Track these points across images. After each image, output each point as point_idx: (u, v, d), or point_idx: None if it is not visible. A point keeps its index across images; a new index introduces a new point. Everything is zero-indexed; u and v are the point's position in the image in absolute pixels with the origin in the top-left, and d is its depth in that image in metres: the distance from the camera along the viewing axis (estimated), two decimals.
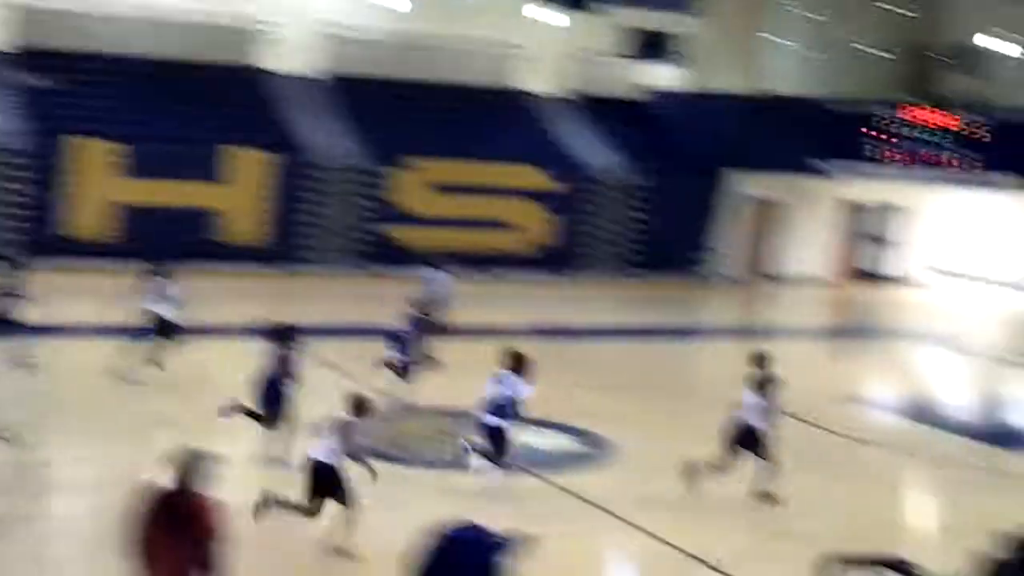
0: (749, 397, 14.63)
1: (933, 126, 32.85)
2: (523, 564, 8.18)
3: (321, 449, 12.20)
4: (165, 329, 18.62)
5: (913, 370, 26.39)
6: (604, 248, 34.38)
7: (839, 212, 36.89)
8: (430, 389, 18.06)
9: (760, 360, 14.97)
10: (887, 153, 33.24)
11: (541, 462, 15.95)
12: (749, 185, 35.47)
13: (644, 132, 36.55)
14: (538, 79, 36.38)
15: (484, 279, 30.76)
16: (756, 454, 14.69)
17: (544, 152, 34.49)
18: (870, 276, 37.42)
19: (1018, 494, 16.49)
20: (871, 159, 33.43)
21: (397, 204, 32.24)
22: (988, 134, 32.10)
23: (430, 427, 17.32)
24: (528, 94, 36.45)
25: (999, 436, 19.78)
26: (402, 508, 13.26)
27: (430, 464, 15.73)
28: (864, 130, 33.38)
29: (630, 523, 13.89)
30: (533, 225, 33.41)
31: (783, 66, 37.31)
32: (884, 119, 33.33)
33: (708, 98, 36.16)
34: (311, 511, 12.20)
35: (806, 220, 36.34)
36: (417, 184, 32.41)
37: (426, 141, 32.78)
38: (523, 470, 15.35)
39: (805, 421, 19.19)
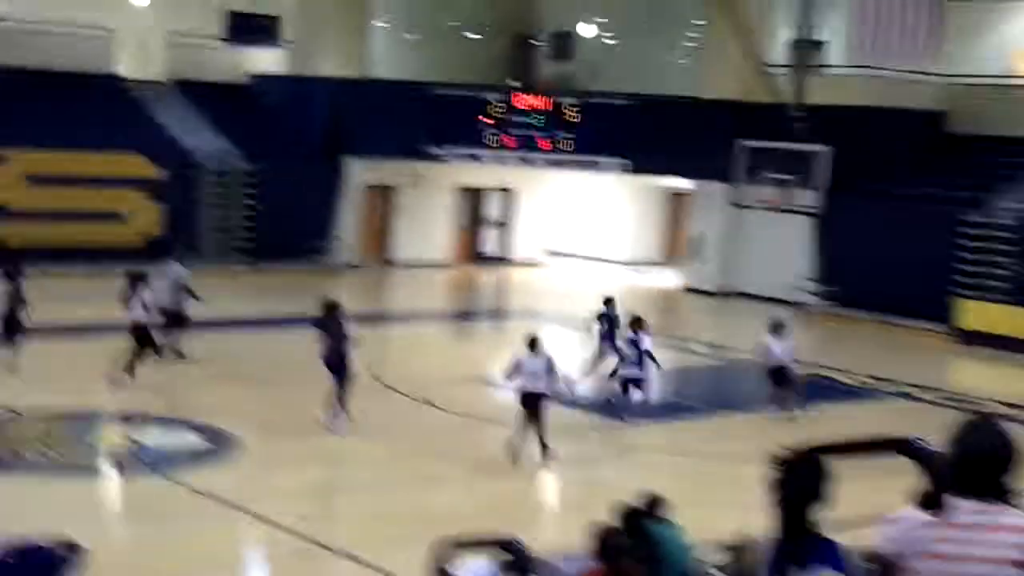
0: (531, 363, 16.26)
1: (538, 110, 33.55)
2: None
3: None
4: None
5: None
6: (214, 236, 33.11)
7: (455, 196, 37.15)
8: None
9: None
10: (498, 138, 33.71)
11: (163, 460, 15.33)
12: (364, 171, 35.15)
13: (249, 117, 35.61)
14: (135, 64, 34.72)
15: (90, 273, 29.02)
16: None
17: (146, 139, 32.89)
18: (488, 259, 37.90)
19: (633, 466, 16.83)
20: (483, 144, 33.82)
21: None
22: (583, 117, 33.16)
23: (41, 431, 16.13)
24: (126, 79, 34.73)
25: (612, 409, 20.16)
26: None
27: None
28: (475, 116, 33.74)
29: (257, 516, 13.40)
30: (138, 215, 31.77)
31: (387, 50, 37.08)
32: (493, 104, 33.76)
33: (312, 81, 35.58)
34: None
35: (424, 205, 36.36)
36: (11, 176, 30.20)
37: (18, 130, 30.61)
38: (145, 470, 14.64)
39: (428, 403, 19.06)
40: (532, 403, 16.08)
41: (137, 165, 31.80)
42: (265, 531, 13.13)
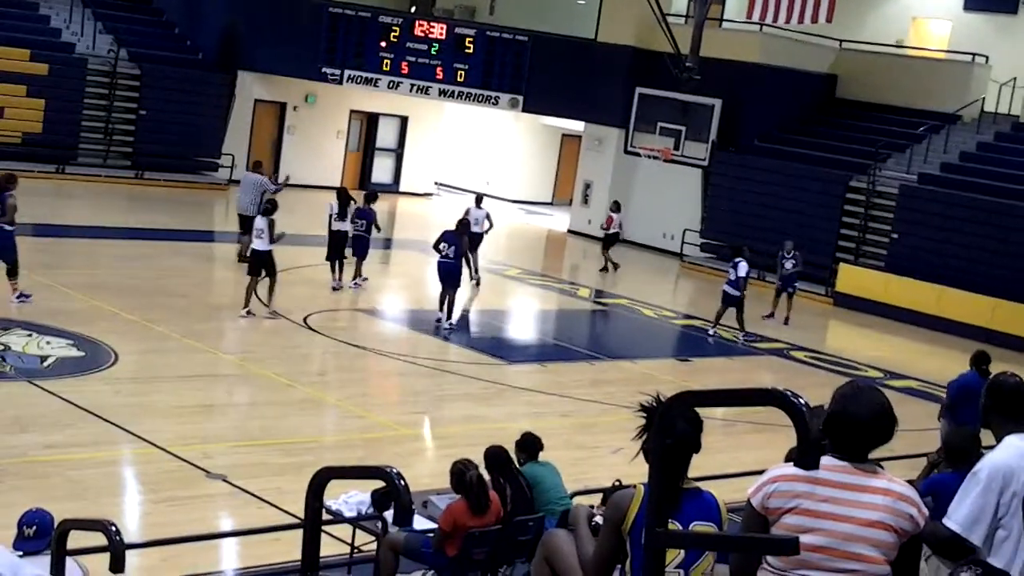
0: None
1: (435, 39, 33.20)
2: None
3: None
4: None
5: (419, 281, 26.67)
6: (97, 140, 32.23)
7: (348, 120, 36.68)
8: None
9: None
10: (393, 63, 33.32)
11: (35, 368, 14.90)
12: (257, 86, 34.55)
13: (139, 18, 34.79)
14: None
15: None
16: None
17: (29, 32, 31.82)
18: (380, 186, 37.54)
19: (512, 405, 16.91)
20: (378, 68, 33.41)
21: None
22: (479, 49, 32.92)
23: None
24: None
25: (500, 348, 20.26)
26: None
27: None
28: (371, 39, 33.31)
29: (128, 431, 13.16)
30: (17, 112, 30.72)
31: None
32: (390, 28, 33.34)
33: None
34: None
35: (316, 126, 35.87)
36: None
37: None
38: (16, 377, 14.39)
39: (314, 330, 18.94)
40: (475, 240, 23.09)
41: (17, 58, 30.72)
42: (135, 446, 12.93)
